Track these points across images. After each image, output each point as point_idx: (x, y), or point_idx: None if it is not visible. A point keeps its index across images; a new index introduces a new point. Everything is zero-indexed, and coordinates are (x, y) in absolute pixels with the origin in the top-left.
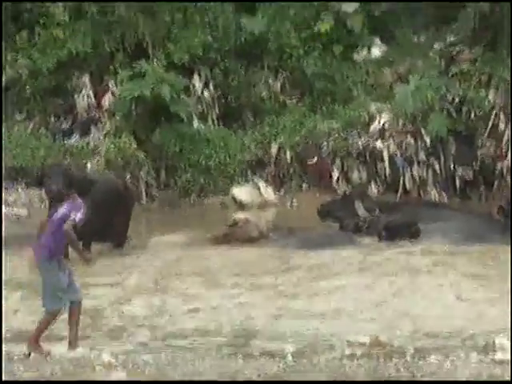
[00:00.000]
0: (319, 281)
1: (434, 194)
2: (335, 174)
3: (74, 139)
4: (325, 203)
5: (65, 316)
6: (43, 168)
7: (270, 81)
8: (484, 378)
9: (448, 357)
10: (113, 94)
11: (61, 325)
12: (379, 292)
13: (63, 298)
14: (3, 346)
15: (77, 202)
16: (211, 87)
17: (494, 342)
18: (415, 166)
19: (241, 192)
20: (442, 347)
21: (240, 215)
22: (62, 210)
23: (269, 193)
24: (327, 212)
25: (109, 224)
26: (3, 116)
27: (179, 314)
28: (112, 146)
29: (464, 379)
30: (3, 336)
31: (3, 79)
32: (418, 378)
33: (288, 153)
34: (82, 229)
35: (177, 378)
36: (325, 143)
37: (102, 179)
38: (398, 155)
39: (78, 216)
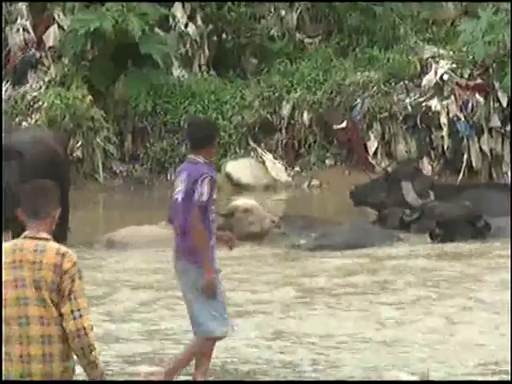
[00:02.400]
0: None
1: (510, 174)
2: (372, 145)
3: (5, 89)
4: (360, 185)
5: None
6: None
7: (283, 13)
8: None
9: None
10: (59, 26)
11: None
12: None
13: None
14: None
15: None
16: (199, 20)
17: None
18: (485, 136)
19: (238, 168)
20: None
21: (238, 202)
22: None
23: (278, 170)
24: (364, 196)
25: None
26: None
27: None
28: (57, 100)
29: None
30: None
31: None
32: None
33: (306, 114)
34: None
35: None
36: (358, 101)
37: (31, 142)
38: (462, 120)
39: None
